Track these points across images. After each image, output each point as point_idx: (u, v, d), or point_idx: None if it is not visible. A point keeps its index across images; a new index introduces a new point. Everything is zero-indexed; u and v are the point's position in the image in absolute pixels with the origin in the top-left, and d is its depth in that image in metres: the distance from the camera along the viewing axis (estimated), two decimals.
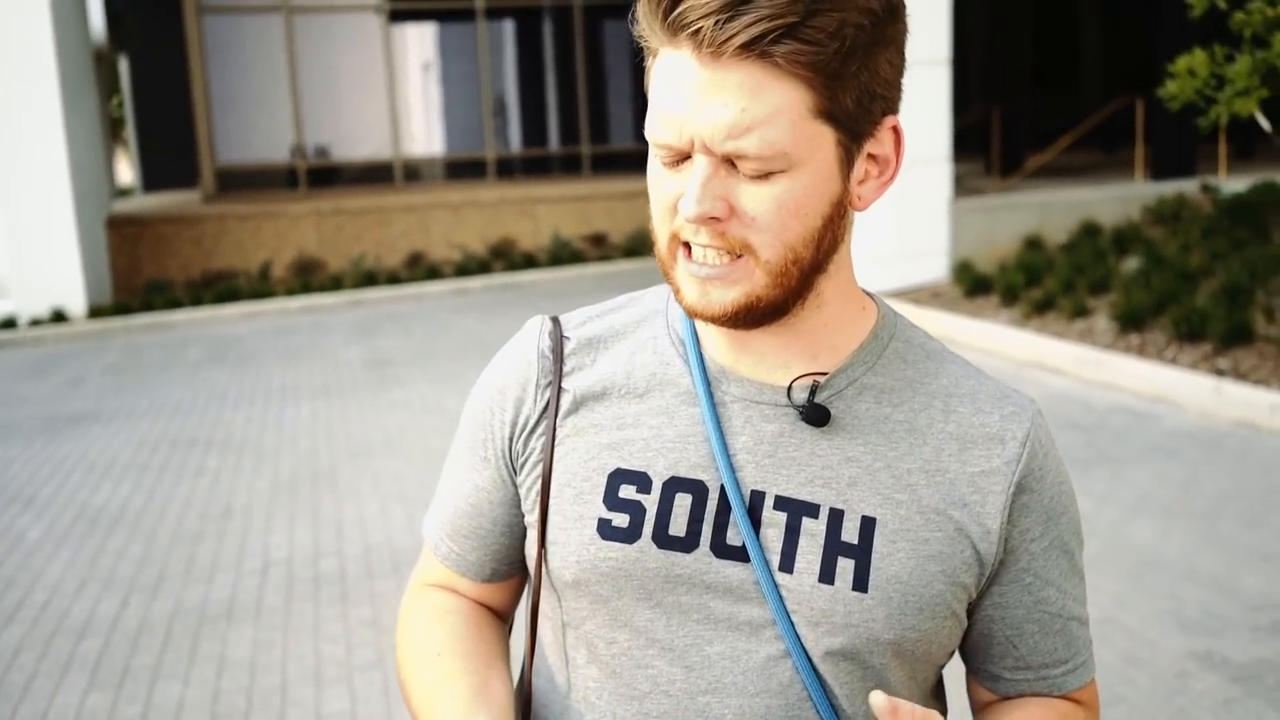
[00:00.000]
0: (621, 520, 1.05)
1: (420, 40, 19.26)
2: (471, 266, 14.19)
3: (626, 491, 1.05)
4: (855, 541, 1.01)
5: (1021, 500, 1.04)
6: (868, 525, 1.01)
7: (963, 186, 12.51)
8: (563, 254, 14.67)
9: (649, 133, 0.97)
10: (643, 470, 1.05)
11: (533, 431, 1.12)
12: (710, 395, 1.05)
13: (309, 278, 14.10)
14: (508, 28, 19.06)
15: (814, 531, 1.01)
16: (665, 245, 1.01)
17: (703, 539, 1.03)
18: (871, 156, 0.99)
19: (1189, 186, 11.53)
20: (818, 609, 1.00)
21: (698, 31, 0.89)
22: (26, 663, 4.13)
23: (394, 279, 13.80)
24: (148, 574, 4.94)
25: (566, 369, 1.12)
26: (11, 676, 4.03)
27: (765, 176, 0.93)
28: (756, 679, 1.01)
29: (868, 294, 1.11)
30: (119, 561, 5.10)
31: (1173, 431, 6.25)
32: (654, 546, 1.03)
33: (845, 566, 1.00)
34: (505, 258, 14.92)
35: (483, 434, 1.16)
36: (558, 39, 18.61)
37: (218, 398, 8.41)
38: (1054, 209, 11.36)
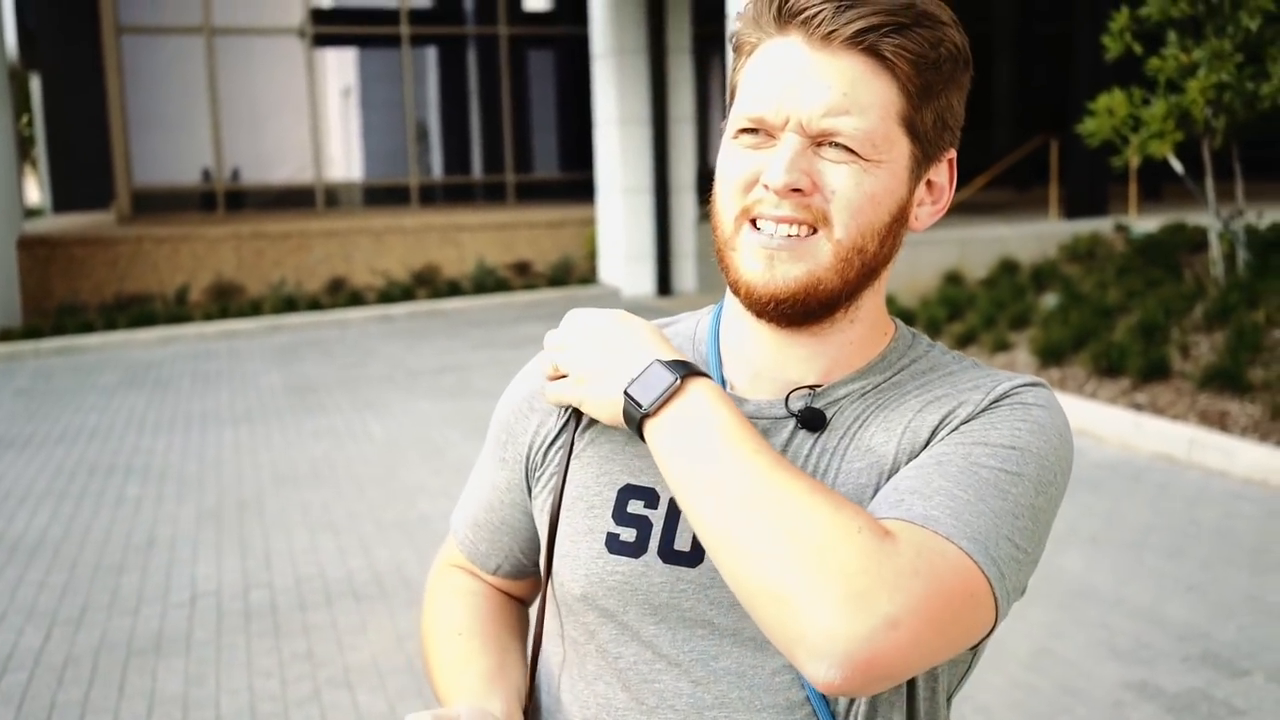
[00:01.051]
0: (629, 535, 1.07)
1: (343, 65, 19.14)
2: (395, 293, 14.07)
3: (635, 507, 1.08)
4: None
5: (963, 425, 1.01)
6: None
7: None
8: (487, 281, 14.61)
9: (738, 114, 1.01)
10: (650, 486, 1.08)
11: (552, 444, 1.15)
12: None
13: (227, 302, 13.88)
14: (432, 55, 19.02)
15: None
16: (731, 223, 1.03)
17: (707, 556, 1.03)
18: (929, 183, 1.06)
19: (1102, 225, 11.85)
20: None
21: (811, 18, 0.97)
22: None
23: (315, 305, 13.62)
24: (71, 605, 4.80)
25: None
26: None
27: (849, 161, 0.98)
28: (763, 694, 1.02)
29: (894, 320, 1.13)
30: (40, 592, 4.95)
31: (1096, 464, 6.39)
32: (659, 561, 1.06)
33: None
34: (429, 284, 14.83)
35: (504, 436, 1.20)
36: (482, 68, 18.60)
37: (135, 424, 8.22)
38: (973, 245, 11.60)
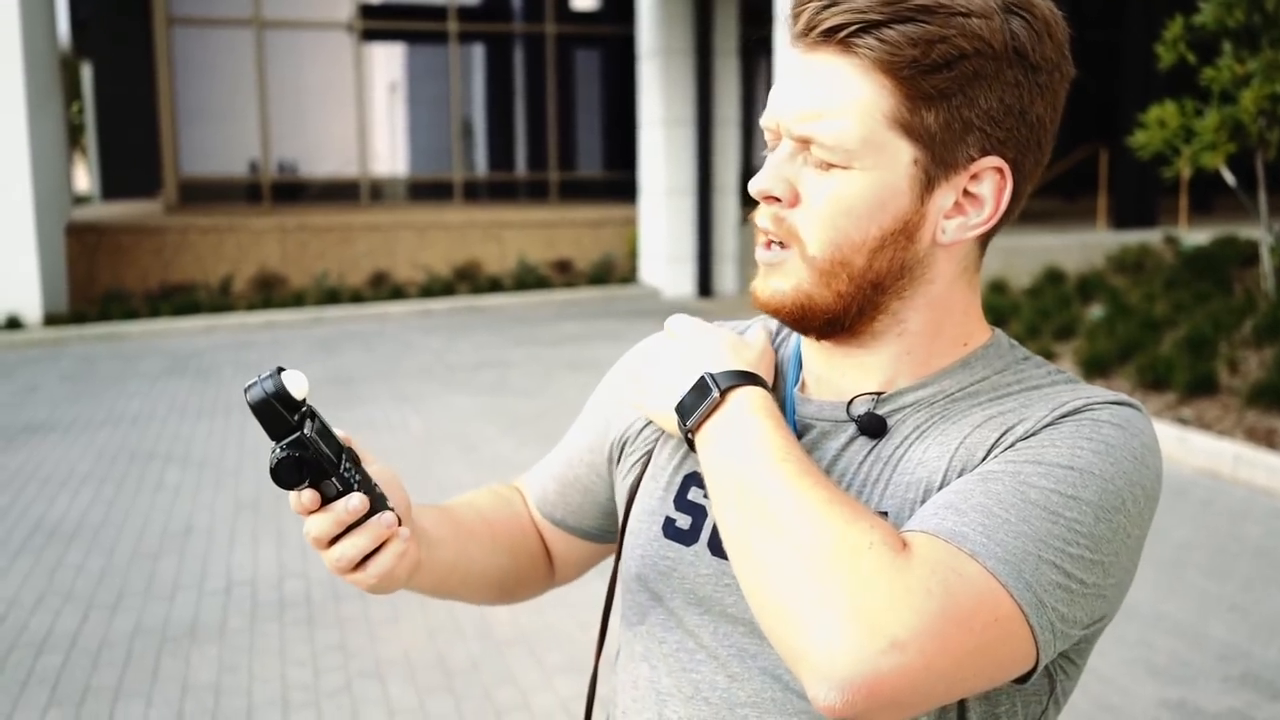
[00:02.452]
0: (684, 522, 1.09)
1: (390, 60, 19.23)
2: (436, 288, 14.12)
3: (695, 495, 1.09)
4: None
5: (1021, 442, 0.93)
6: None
7: None
8: (528, 279, 14.64)
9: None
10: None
11: (646, 424, 1.17)
12: (794, 413, 1.07)
13: (270, 293, 13.98)
14: (479, 52, 19.07)
15: None
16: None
17: None
18: (969, 194, 0.97)
19: (1151, 237, 11.71)
20: None
21: (797, 19, 0.95)
22: None
23: (357, 298, 13.70)
24: (107, 590, 4.84)
25: None
26: None
27: (828, 168, 0.95)
28: (797, 699, 1.01)
29: (992, 330, 1.07)
30: (78, 576, 4.99)
31: None
32: (708, 553, 1.06)
33: None
34: (470, 280, 14.87)
35: (606, 410, 1.23)
36: (528, 65, 18.64)
37: (177, 411, 8.29)
38: (1018, 254, 11.48)
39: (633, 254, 15.60)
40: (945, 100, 0.92)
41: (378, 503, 0.99)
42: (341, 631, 4.40)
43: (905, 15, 0.90)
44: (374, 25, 17.80)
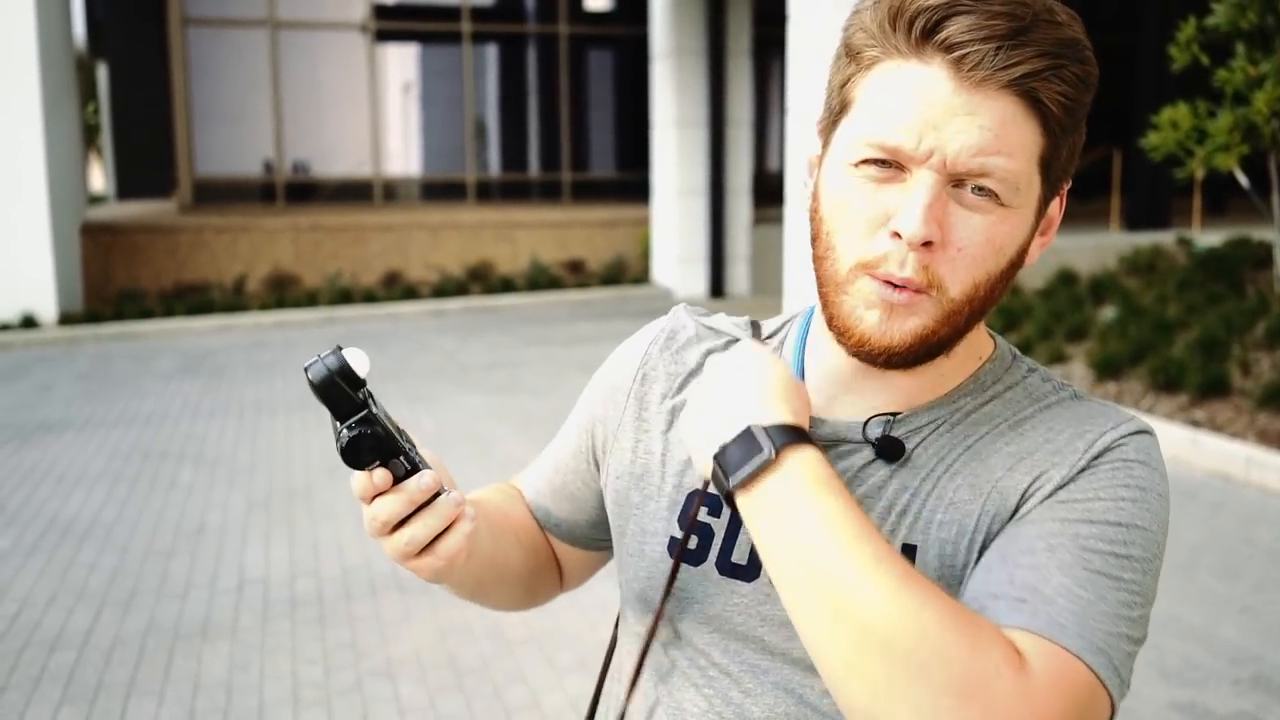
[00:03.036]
0: (691, 541, 1.06)
1: (404, 61, 19.27)
2: (449, 288, 14.15)
3: (700, 514, 1.06)
4: None
5: (1062, 491, 0.93)
6: (908, 553, 0.98)
7: None
8: (540, 279, 14.66)
9: (863, 137, 0.92)
10: (717, 494, 1.05)
11: (637, 436, 1.16)
12: None
13: (284, 293, 14.02)
14: (492, 52, 19.10)
15: None
16: (847, 269, 0.94)
17: (763, 571, 1.02)
18: (1043, 216, 0.98)
19: (1164, 238, 11.67)
20: None
21: (966, 55, 0.87)
22: None
23: (370, 297, 13.74)
24: (120, 588, 4.86)
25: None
26: None
27: (987, 207, 0.91)
28: (811, 713, 1.01)
29: (993, 338, 1.07)
30: (91, 574, 5.02)
31: None
32: (716, 572, 1.04)
33: None
34: (483, 281, 14.90)
35: (593, 411, 1.20)
36: (542, 66, 18.67)
37: (190, 410, 8.32)
38: None
39: (645, 254, 15.61)
40: (1072, 135, 0.94)
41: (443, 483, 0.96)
42: (353, 630, 4.42)
43: (1076, 58, 0.90)
44: (388, 26, 17.85)
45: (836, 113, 0.96)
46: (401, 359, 10.39)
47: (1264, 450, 6.28)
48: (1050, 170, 0.94)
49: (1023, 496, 0.94)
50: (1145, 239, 11.71)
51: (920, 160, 0.89)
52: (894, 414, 1.01)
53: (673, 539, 1.07)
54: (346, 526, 5.62)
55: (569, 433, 1.22)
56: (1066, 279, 10.68)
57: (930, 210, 0.89)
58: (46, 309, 12.19)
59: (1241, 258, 9.86)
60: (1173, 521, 5.45)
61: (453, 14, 17.84)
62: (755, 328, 1.16)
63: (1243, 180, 8.46)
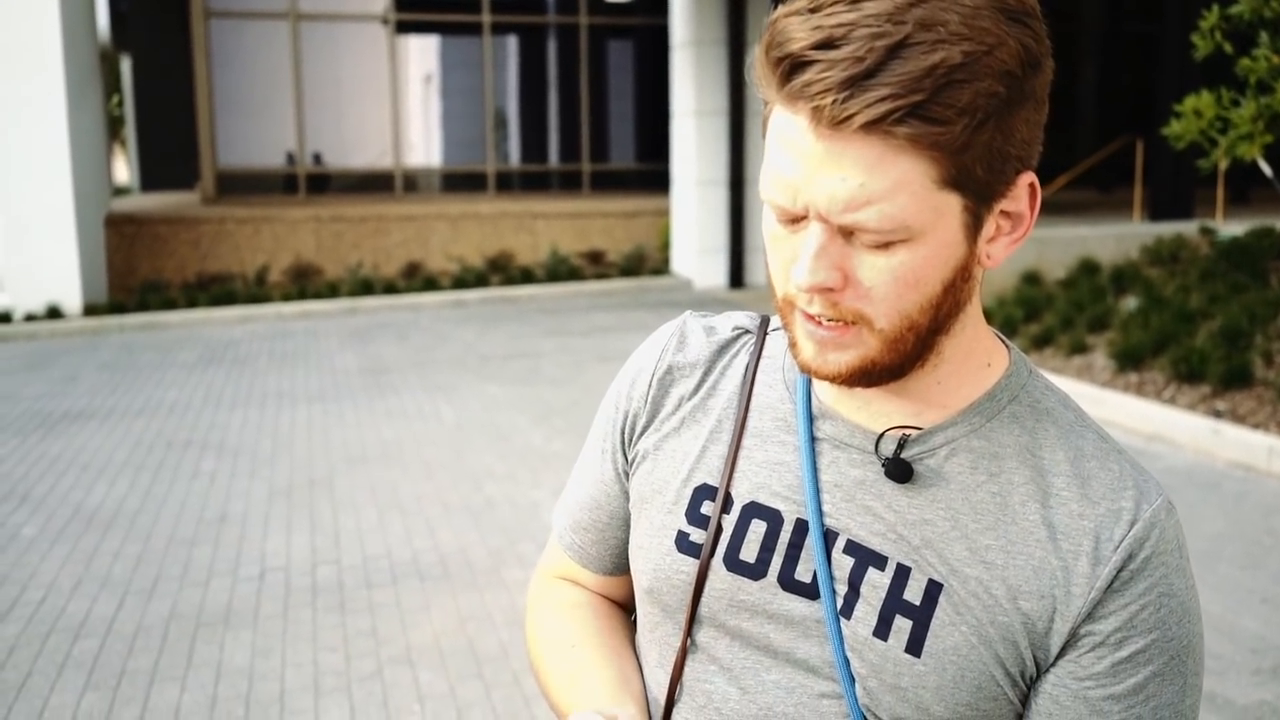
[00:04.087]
0: (699, 536, 1.06)
1: (425, 52, 19.31)
2: (469, 279, 14.19)
3: (708, 508, 1.06)
4: (917, 603, 0.97)
5: (1105, 606, 0.94)
6: (933, 590, 0.97)
7: None
8: (560, 270, 14.68)
9: (763, 191, 0.92)
10: (727, 490, 1.06)
11: (645, 430, 1.15)
12: (810, 429, 1.04)
13: (305, 284, 14.09)
14: (512, 43, 19.12)
15: (877, 584, 0.99)
16: (781, 301, 0.97)
17: (771, 569, 1.03)
18: (1004, 213, 0.94)
19: (1187, 228, 11.60)
20: (869, 661, 0.98)
21: (818, 106, 0.84)
22: (22, 661, 4.10)
23: (391, 288, 13.79)
24: (144, 576, 4.91)
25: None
26: (7, 675, 4.00)
27: (885, 247, 0.89)
28: (809, 714, 1.01)
29: (1006, 345, 1.05)
30: (115, 562, 5.07)
31: (1171, 470, 6.27)
32: (723, 568, 1.04)
33: (902, 626, 0.97)
34: (503, 271, 14.93)
35: (615, 423, 1.18)
36: (562, 57, 18.67)
37: (213, 400, 8.38)
38: (1052, 245, 11.41)
39: (665, 245, 15.61)
40: (987, 145, 0.87)
41: None
42: (373, 618, 4.45)
43: (943, 83, 0.83)
44: (408, 17, 17.88)
45: (765, 134, 0.96)
46: (422, 349, 10.43)
47: None
48: (966, 185, 0.88)
49: (1051, 620, 0.96)
50: (1168, 229, 11.64)
51: (804, 214, 0.90)
52: (909, 429, 1.00)
53: (680, 533, 1.07)
54: (367, 515, 5.66)
55: (593, 462, 1.20)
56: (1089, 269, 10.64)
57: (818, 260, 0.89)
58: (71, 299, 12.29)
59: (1265, 248, 9.79)
60: (1195, 511, 5.44)
61: (473, 5, 17.86)
62: (764, 322, 1.16)
63: (1266, 170, 8.40)
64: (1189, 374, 7.36)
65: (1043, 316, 9.26)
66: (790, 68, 0.86)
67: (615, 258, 15.80)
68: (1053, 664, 0.96)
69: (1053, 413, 1.02)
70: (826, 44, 0.84)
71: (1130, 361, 7.83)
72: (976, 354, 1.01)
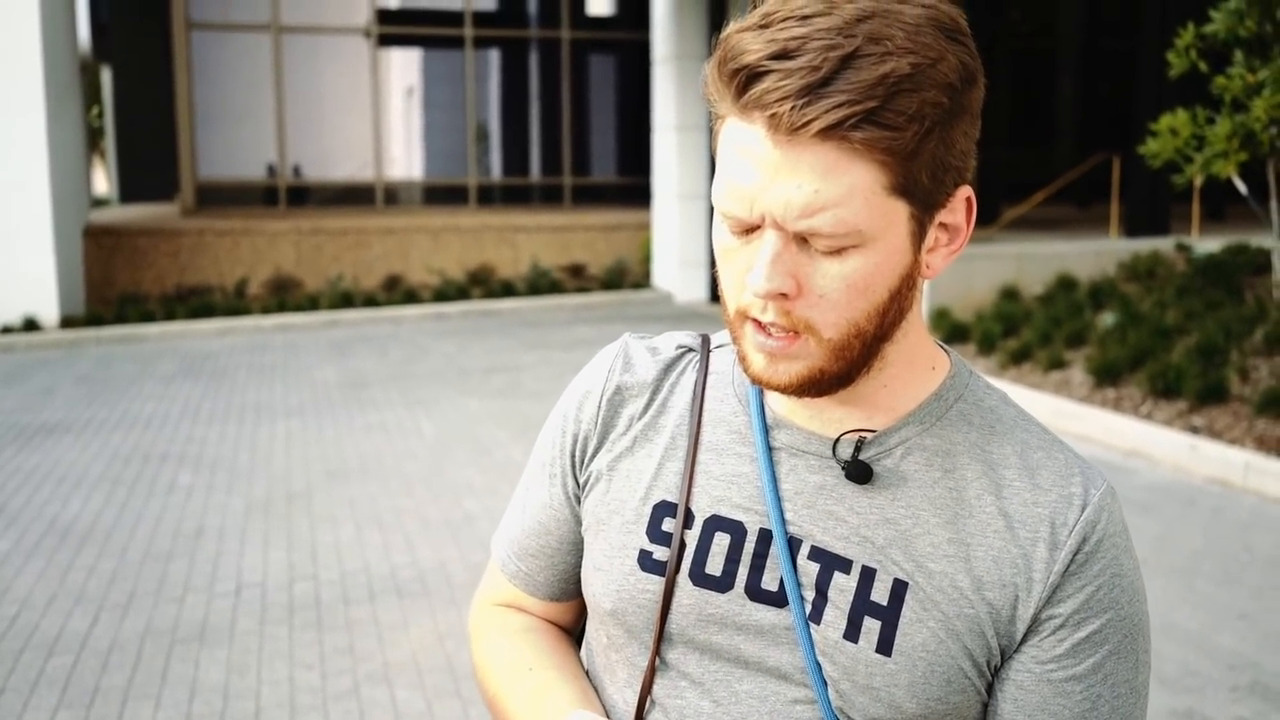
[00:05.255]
0: (662, 554, 1.06)
1: (406, 65, 19.32)
2: (450, 292, 14.17)
3: (669, 524, 1.07)
4: (884, 603, 0.99)
5: (1064, 589, 0.98)
6: (899, 589, 0.99)
7: None
8: (541, 283, 14.67)
9: (716, 202, 0.95)
10: (688, 505, 1.06)
11: (597, 451, 1.16)
12: (767, 439, 1.05)
13: (285, 296, 14.04)
14: (494, 57, 19.14)
15: (844, 587, 1.00)
16: (733, 314, 0.99)
17: (738, 581, 1.03)
18: (943, 225, 0.97)
19: (1163, 245, 11.68)
20: (840, 664, 1.00)
21: (774, 114, 0.88)
22: None
23: (371, 301, 13.75)
24: (118, 591, 4.87)
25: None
26: None
27: (838, 253, 0.92)
28: None
29: (945, 350, 1.09)
30: (89, 577, 5.03)
31: (1148, 486, 6.30)
32: (690, 583, 1.05)
33: (871, 627, 0.99)
34: (484, 285, 14.92)
35: (563, 448, 1.17)
36: (544, 70, 18.70)
37: (191, 413, 8.34)
38: (1030, 261, 11.47)
39: (646, 259, 15.63)
40: (931, 154, 0.91)
41: None
42: (350, 635, 4.43)
43: (893, 91, 0.87)
44: (390, 30, 17.88)
45: (714, 151, 0.99)
46: (402, 362, 10.40)
47: (1263, 456, 6.28)
48: (912, 193, 0.92)
49: (1014, 603, 0.99)
50: (1144, 245, 11.72)
51: (759, 223, 0.92)
52: (864, 433, 1.03)
53: (643, 551, 1.07)
54: (345, 531, 5.63)
55: (539, 487, 1.19)
56: (1066, 284, 10.70)
57: (774, 266, 0.92)
58: (48, 312, 12.21)
59: (1240, 264, 9.87)
60: (1172, 527, 5.45)
61: (455, 19, 17.88)
62: (706, 340, 1.17)
63: (1241, 187, 8.47)
64: (1166, 390, 7.40)
65: (1021, 332, 9.30)
66: (747, 79, 0.89)
67: (596, 271, 15.81)
68: (1016, 650, 1.00)
69: (996, 410, 1.06)
70: (782, 55, 0.88)
71: (1107, 377, 7.87)
72: (920, 358, 1.05)
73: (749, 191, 0.91)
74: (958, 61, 0.91)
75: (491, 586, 1.26)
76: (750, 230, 0.94)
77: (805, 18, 0.89)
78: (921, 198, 0.93)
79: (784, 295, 0.93)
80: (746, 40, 0.90)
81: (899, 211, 0.92)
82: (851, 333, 0.95)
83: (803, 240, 0.92)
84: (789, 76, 0.87)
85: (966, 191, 0.97)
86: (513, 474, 6.56)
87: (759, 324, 0.96)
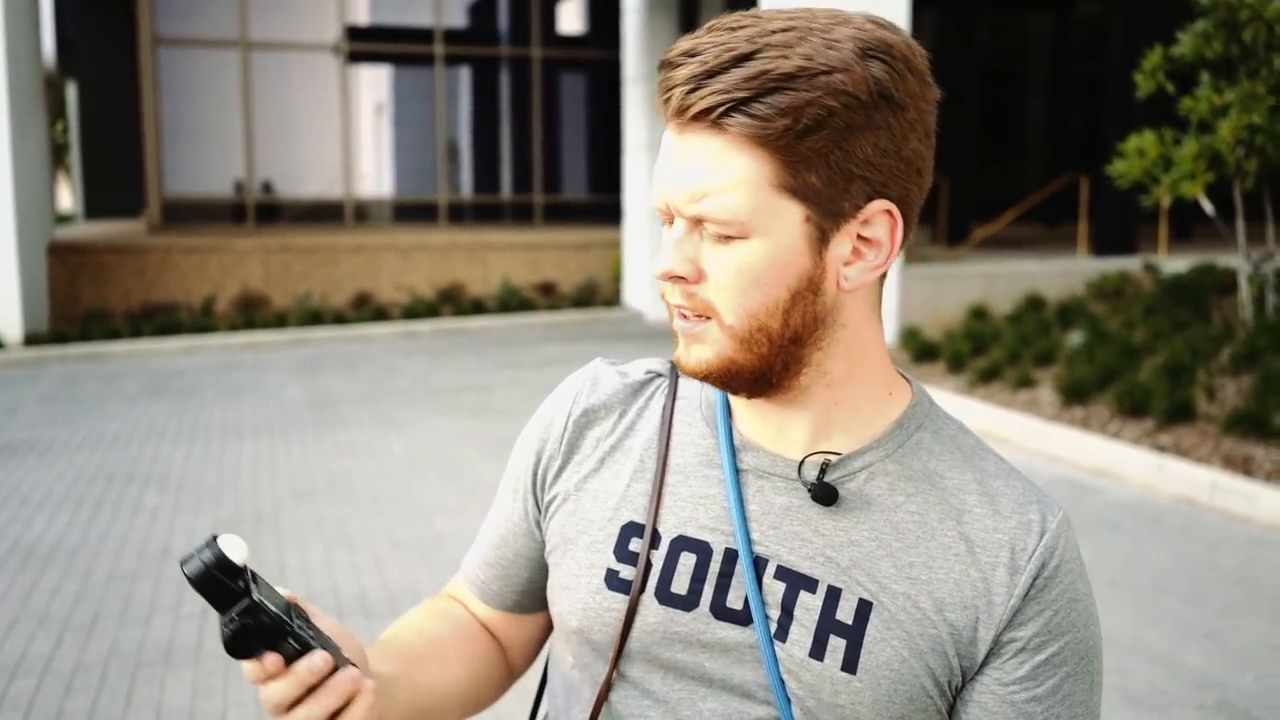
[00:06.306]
0: (629, 573, 1.08)
1: (376, 82, 19.28)
2: (420, 310, 14.12)
3: (636, 544, 1.08)
4: (849, 622, 1.01)
5: (1024, 613, 1.01)
6: (863, 608, 1.01)
7: (911, 254, 12.69)
8: (512, 301, 14.64)
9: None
10: (654, 526, 1.08)
11: (561, 470, 1.17)
12: (734, 461, 1.07)
13: (253, 314, 13.95)
14: (464, 75, 19.13)
15: (809, 606, 1.02)
16: (666, 303, 1.05)
17: (703, 599, 1.05)
18: (863, 238, 0.99)
19: (1131, 264, 11.79)
20: (806, 682, 1.01)
21: (669, 101, 0.96)
22: None
23: (340, 319, 13.68)
24: (83, 613, 4.81)
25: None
26: None
27: (726, 241, 0.96)
28: None
29: (906, 379, 1.11)
30: (53, 599, 4.96)
31: (1115, 505, 6.33)
32: (655, 602, 1.06)
33: (836, 645, 1.01)
34: (454, 302, 14.87)
35: (527, 464, 1.19)
36: (514, 89, 18.70)
37: (156, 432, 8.25)
38: (999, 280, 11.55)
39: (617, 277, 15.63)
40: (823, 158, 0.94)
41: (337, 658, 0.94)
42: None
43: (770, 87, 0.91)
44: (360, 48, 17.84)
45: None
46: (372, 381, 10.34)
47: (1229, 476, 6.33)
48: (806, 195, 0.95)
49: (975, 625, 1.01)
50: (1112, 265, 11.82)
51: (669, 212, 0.99)
52: (829, 455, 1.04)
53: (609, 570, 1.08)
54: (313, 551, 5.58)
55: (504, 502, 1.22)
56: (1035, 304, 10.77)
57: (674, 250, 0.98)
58: (11, 329, 12.08)
59: (1207, 284, 9.97)
60: (1139, 546, 5.48)
61: (425, 36, 17.86)
62: (674, 367, 1.17)
63: (1208, 208, 8.56)
64: (1133, 409, 7.45)
65: (990, 350, 9.35)
66: (662, 73, 0.97)
67: (567, 289, 15.79)
68: (978, 672, 1.02)
69: (956, 439, 1.09)
70: (690, 53, 0.95)
71: (1075, 396, 7.91)
72: (875, 380, 1.07)
73: (659, 181, 0.99)
74: (867, 76, 0.93)
75: (452, 583, 1.30)
76: (670, 221, 1.00)
77: (733, 28, 0.95)
78: (817, 202, 0.95)
79: (683, 278, 0.98)
80: (678, 44, 0.97)
81: (789, 211, 0.95)
82: (753, 325, 0.98)
83: (700, 225, 0.97)
84: (685, 68, 0.94)
85: (885, 205, 0.98)
86: (483, 494, 6.53)
87: (678, 308, 1.01)
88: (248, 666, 0.92)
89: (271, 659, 0.90)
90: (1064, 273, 11.84)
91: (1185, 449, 6.86)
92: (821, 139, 0.93)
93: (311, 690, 0.93)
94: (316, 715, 0.93)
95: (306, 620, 0.95)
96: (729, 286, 0.97)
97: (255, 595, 0.90)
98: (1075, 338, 9.22)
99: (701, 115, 0.93)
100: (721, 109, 0.92)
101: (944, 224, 15.82)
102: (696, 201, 0.95)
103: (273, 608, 0.91)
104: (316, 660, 0.91)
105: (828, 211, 0.96)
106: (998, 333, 9.75)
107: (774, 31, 0.94)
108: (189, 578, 0.88)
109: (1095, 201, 13.95)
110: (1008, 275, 11.65)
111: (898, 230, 0.99)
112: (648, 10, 14.73)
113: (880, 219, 0.98)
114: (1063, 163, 17.71)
